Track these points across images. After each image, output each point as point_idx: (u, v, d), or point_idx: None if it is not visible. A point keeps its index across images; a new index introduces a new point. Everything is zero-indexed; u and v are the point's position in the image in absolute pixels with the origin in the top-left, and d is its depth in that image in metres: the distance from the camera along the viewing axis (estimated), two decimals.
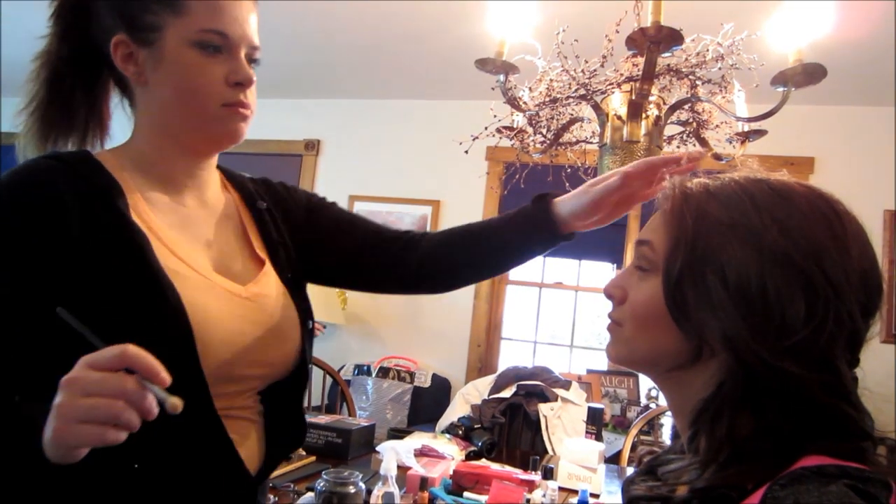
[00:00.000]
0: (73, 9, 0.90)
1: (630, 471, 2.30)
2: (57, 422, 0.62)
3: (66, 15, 0.90)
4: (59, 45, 0.90)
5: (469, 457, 2.02)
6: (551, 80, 1.51)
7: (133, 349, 0.64)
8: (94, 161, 0.86)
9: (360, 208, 4.10)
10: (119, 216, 0.82)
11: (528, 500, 1.57)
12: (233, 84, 0.87)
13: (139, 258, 0.80)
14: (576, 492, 1.70)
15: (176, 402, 0.64)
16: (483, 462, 1.93)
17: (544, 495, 1.59)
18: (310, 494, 1.42)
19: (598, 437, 2.06)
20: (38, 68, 0.91)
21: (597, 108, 1.47)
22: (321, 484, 1.21)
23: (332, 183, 4.21)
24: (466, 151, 1.70)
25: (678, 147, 1.64)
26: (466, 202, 3.90)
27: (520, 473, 1.71)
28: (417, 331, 3.92)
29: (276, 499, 1.49)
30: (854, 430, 0.57)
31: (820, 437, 0.56)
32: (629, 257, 3.62)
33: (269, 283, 0.96)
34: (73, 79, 0.92)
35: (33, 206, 0.78)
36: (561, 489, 1.75)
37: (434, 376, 3.69)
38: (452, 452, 1.94)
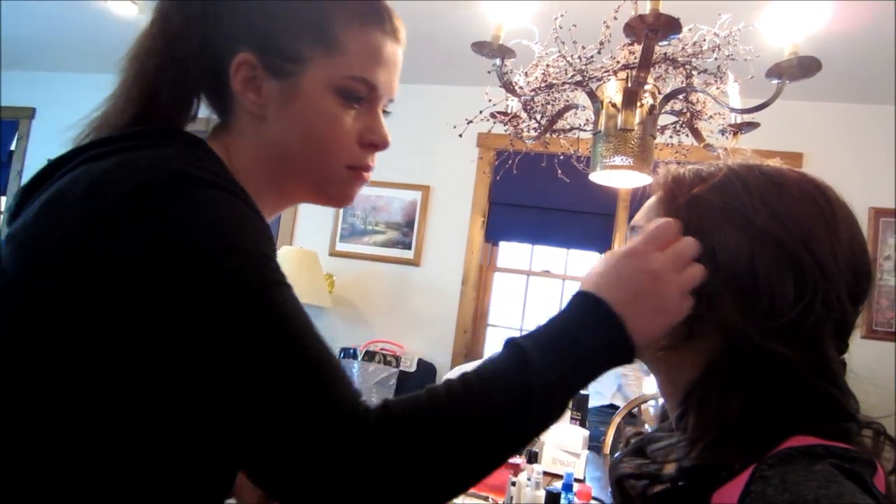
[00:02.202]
0: None
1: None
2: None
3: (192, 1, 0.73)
4: (186, 35, 0.72)
5: None
6: (547, 66, 1.51)
7: None
8: None
9: None
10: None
11: (513, 483, 1.58)
12: (366, 144, 0.75)
13: None
14: (560, 476, 1.72)
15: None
16: None
17: (529, 478, 1.60)
18: None
19: (583, 424, 2.08)
20: (158, 58, 0.73)
21: (592, 95, 1.48)
22: None
23: None
24: (461, 135, 1.70)
25: (671, 137, 1.65)
26: (456, 188, 3.90)
27: None
28: (404, 316, 3.92)
29: None
30: (839, 411, 0.58)
31: (807, 417, 0.57)
32: (617, 247, 3.63)
33: None
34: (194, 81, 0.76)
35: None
36: (545, 473, 1.77)
37: (420, 361, 3.70)
38: None
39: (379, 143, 0.76)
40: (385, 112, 0.78)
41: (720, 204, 0.63)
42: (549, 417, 0.61)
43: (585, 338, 0.61)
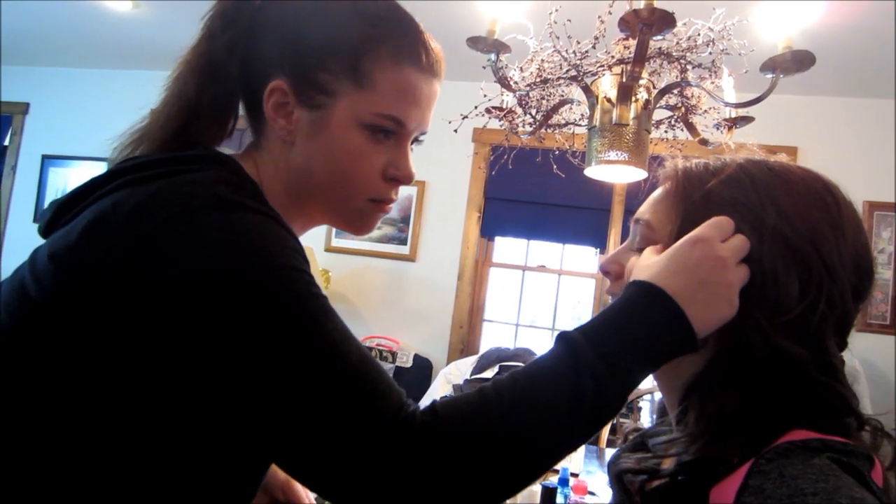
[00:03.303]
0: (241, 22, 0.75)
1: (608, 452, 2.33)
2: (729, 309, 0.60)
3: (236, 24, 0.74)
4: (228, 58, 0.74)
5: None
6: (542, 61, 1.51)
7: None
8: None
9: None
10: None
11: None
12: (389, 178, 0.75)
13: None
14: (556, 471, 1.72)
15: None
16: None
17: None
18: None
19: None
20: (203, 78, 0.74)
21: (587, 90, 1.47)
22: None
23: None
24: (456, 130, 1.70)
25: (666, 131, 1.65)
26: (452, 184, 3.89)
27: None
28: (400, 311, 3.92)
29: None
30: (839, 406, 0.58)
31: (805, 412, 0.57)
32: (613, 242, 3.64)
33: None
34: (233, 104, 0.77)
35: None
36: None
37: (416, 356, 3.70)
38: None
39: (402, 179, 0.76)
40: (417, 141, 0.79)
41: (729, 199, 0.63)
42: (603, 412, 0.58)
43: (640, 328, 0.59)
